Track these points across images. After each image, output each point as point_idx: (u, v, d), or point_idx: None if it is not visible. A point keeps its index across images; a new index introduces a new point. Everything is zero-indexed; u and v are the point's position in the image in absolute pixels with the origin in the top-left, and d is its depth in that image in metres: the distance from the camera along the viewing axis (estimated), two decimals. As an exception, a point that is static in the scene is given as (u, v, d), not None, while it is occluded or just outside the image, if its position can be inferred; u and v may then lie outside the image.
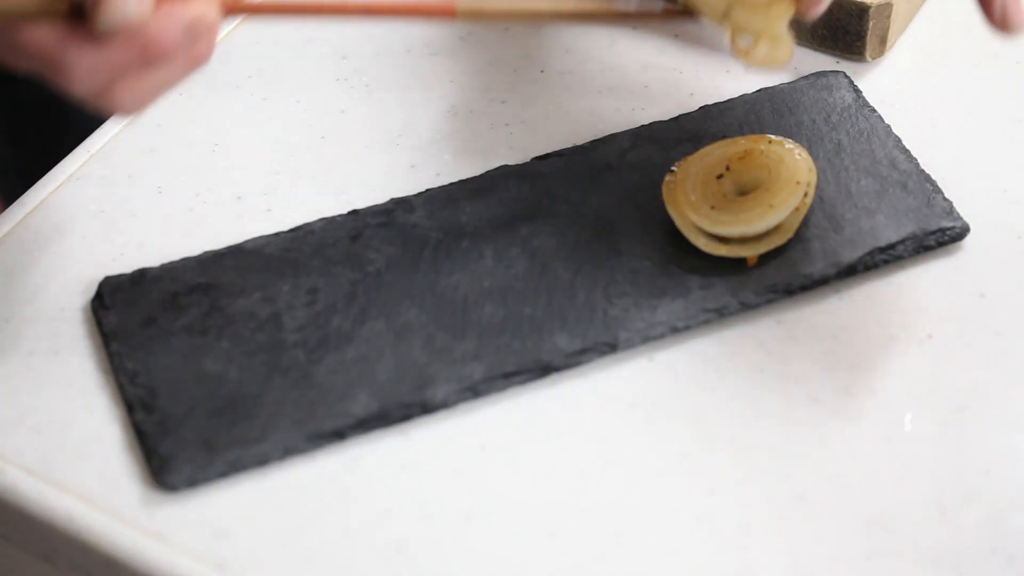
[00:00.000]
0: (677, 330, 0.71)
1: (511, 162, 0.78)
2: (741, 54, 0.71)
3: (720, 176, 0.73)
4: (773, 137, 0.75)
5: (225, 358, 0.70)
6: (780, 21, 0.71)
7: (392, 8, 0.67)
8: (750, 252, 0.72)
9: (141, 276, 0.73)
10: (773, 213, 0.72)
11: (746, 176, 0.74)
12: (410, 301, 0.72)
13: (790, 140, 0.75)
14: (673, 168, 0.74)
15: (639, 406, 0.69)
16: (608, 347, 0.70)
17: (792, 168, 0.73)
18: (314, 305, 0.71)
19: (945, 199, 0.75)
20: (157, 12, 0.63)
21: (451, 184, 0.76)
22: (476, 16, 0.69)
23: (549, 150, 0.78)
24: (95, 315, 0.72)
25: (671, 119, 0.79)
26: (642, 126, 0.78)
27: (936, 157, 0.78)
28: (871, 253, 0.73)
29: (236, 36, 0.84)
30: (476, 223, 0.74)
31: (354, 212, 0.75)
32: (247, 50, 0.84)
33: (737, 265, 0.73)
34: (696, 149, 0.76)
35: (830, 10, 0.81)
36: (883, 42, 0.82)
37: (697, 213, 0.73)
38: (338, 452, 0.68)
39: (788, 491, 0.67)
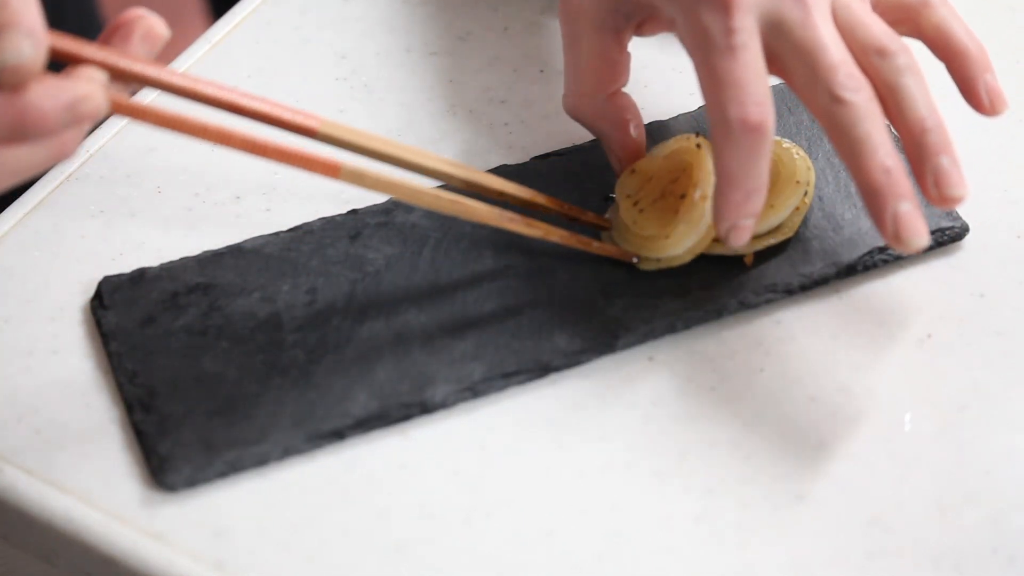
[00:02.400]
0: (676, 330, 0.71)
1: (511, 162, 0.78)
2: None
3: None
4: (771, 137, 0.75)
5: (224, 358, 0.70)
6: (686, 239, 0.71)
7: (277, 152, 0.66)
8: (748, 249, 0.72)
9: (140, 276, 0.73)
10: (773, 213, 0.73)
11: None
12: (409, 301, 0.72)
13: (787, 140, 0.75)
14: None
15: (638, 406, 0.69)
16: (607, 347, 0.70)
17: (791, 167, 0.73)
18: (313, 305, 0.71)
19: (945, 199, 0.75)
20: (42, 80, 0.60)
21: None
22: (357, 180, 0.68)
23: (549, 150, 0.78)
24: (94, 315, 0.72)
25: (670, 118, 0.79)
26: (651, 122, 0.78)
27: (935, 157, 0.78)
28: (870, 253, 0.73)
29: (234, 36, 0.84)
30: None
31: (353, 212, 0.75)
32: (246, 49, 0.83)
33: (736, 265, 0.73)
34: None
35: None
36: (882, 42, 0.82)
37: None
38: (337, 452, 0.68)
39: (787, 491, 0.67)
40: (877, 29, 0.69)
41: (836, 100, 0.67)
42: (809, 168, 0.74)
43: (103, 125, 0.80)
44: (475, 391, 0.69)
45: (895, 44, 0.69)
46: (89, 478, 0.67)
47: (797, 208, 0.73)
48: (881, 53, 0.68)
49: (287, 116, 0.66)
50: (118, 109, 0.63)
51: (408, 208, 0.75)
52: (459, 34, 0.84)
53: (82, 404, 0.69)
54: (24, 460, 0.67)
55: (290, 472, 0.67)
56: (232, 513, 0.66)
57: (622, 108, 0.73)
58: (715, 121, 0.67)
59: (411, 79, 0.82)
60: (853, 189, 0.75)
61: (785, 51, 0.68)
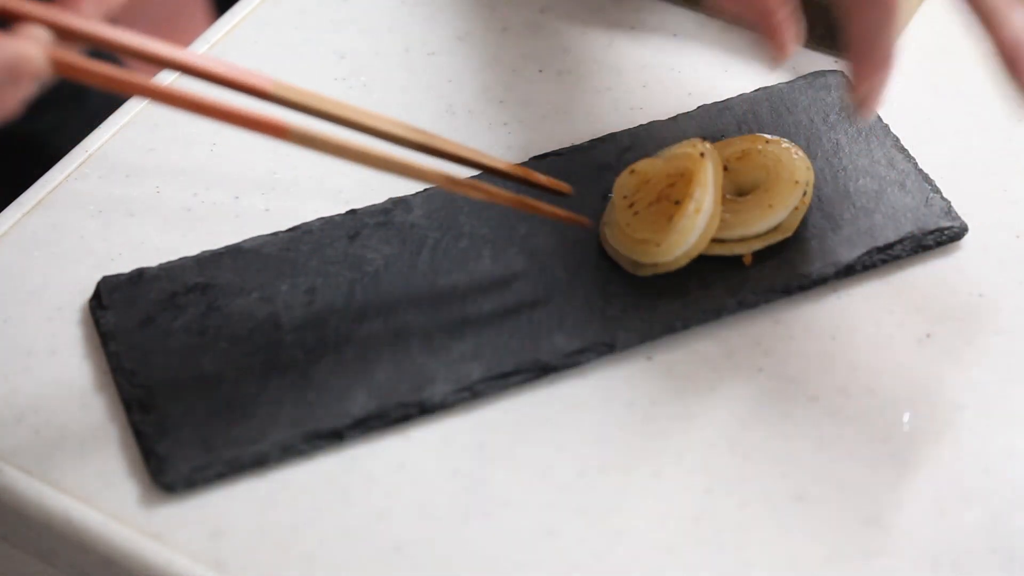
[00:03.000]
0: (675, 330, 0.71)
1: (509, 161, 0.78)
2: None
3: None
4: (770, 137, 0.75)
5: (223, 358, 0.70)
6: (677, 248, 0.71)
7: (222, 112, 0.64)
8: (746, 249, 0.72)
9: (139, 276, 0.73)
10: (772, 213, 0.73)
11: (744, 176, 0.74)
12: (408, 301, 0.72)
13: (787, 140, 0.75)
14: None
15: (637, 406, 0.69)
16: (606, 347, 0.70)
17: (790, 167, 0.73)
18: (312, 305, 0.71)
19: (943, 198, 0.75)
20: None
21: (449, 184, 0.76)
22: (306, 143, 0.66)
23: (547, 150, 0.78)
24: (93, 315, 0.72)
25: (669, 119, 0.79)
26: (640, 126, 0.78)
27: (934, 156, 0.78)
28: (869, 253, 0.73)
29: (234, 36, 0.84)
30: (474, 223, 0.74)
31: (352, 212, 0.75)
32: (245, 50, 0.83)
33: (735, 265, 0.73)
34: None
35: (828, 9, 0.81)
36: (882, 41, 0.82)
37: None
38: (336, 452, 0.68)
39: (786, 490, 0.67)
40: None
41: None
42: (808, 168, 0.74)
43: (102, 125, 0.80)
44: (474, 391, 0.69)
45: None
46: (88, 478, 0.67)
47: (796, 208, 0.73)
48: None
49: (241, 77, 0.65)
50: (60, 69, 0.61)
51: (407, 208, 0.75)
52: (458, 34, 0.84)
53: (81, 404, 0.69)
54: (23, 460, 0.67)
55: (289, 472, 0.67)
56: (230, 513, 0.66)
57: None
58: None
59: (410, 79, 0.82)
60: (852, 188, 0.75)
61: None
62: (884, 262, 0.73)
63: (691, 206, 0.71)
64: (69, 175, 0.78)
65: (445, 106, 0.81)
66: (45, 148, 1.10)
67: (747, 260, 0.73)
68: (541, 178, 0.73)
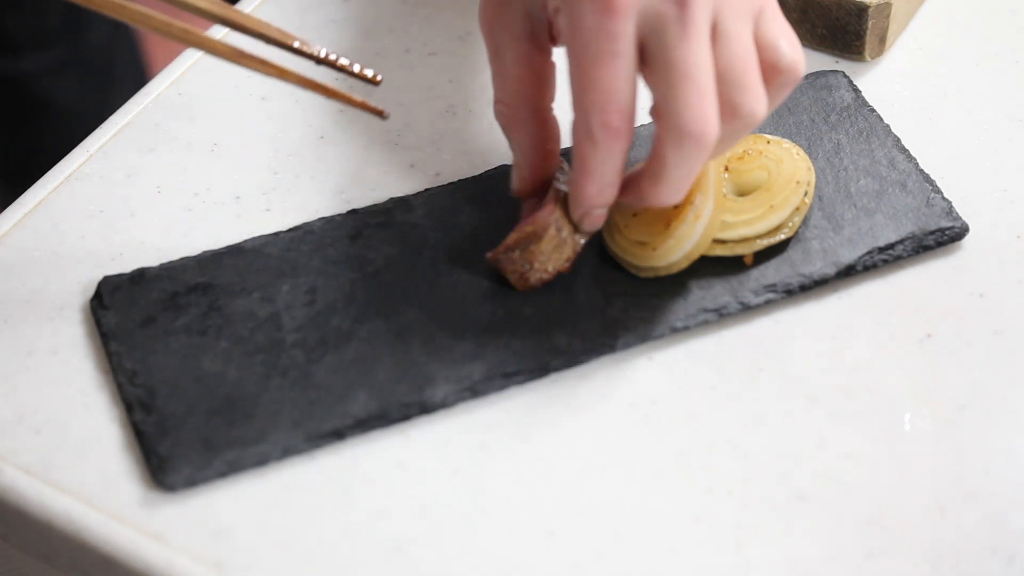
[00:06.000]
0: (676, 330, 0.71)
1: (510, 162, 0.78)
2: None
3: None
4: (771, 137, 0.75)
5: (224, 358, 0.70)
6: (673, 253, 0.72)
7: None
8: (747, 250, 0.72)
9: (140, 276, 0.73)
10: (774, 214, 0.73)
11: (745, 177, 0.74)
12: (409, 301, 0.72)
13: (788, 140, 0.75)
14: None
15: (638, 406, 0.69)
16: (607, 347, 0.70)
17: (791, 168, 0.73)
18: (313, 305, 0.71)
19: (944, 199, 0.75)
20: None
21: (450, 184, 0.76)
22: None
23: (548, 150, 0.78)
24: (94, 315, 0.72)
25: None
26: (641, 125, 0.78)
27: (935, 157, 0.78)
28: (870, 253, 0.73)
29: (235, 36, 0.84)
30: (475, 223, 0.74)
31: (353, 212, 0.75)
32: (245, 50, 0.83)
33: (736, 265, 0.73)
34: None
35: (829, 9, 0.81)
36: (882, 42, 0.82)
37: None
38: (337, 452, 0.68)
39: (787, 491, 0.67)
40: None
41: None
42: (809, 168, 0.74)
43: (102, 125, 0.80)
44: (475, 391, 0.69)
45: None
46: (89, 478, 0.67)
47: (797, 208, 0.73)
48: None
49: None
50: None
51: (408, 208, 0.75)
52: (459, 34, 0.84)
53: (82, 404, 0.69)
54: (24, 460, 0.67)
55: (290, 472, 0.67)
56: (231, 513, 0.66)
57: (549, 125, 0.73)
58: (578, 120, 0.67)
59: (411, 79, 0.82)
60: (853, 189, 0.75)
61: (655, 63, 0.67)
62: (885, 262, 0.74)
63: (691, 213, 0.71)
64: (70, 175, 0.78)
65: (445, 106, 0.81)
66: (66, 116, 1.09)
67: (748, 260, 0.73)
68: (353, 69, 0.71)
